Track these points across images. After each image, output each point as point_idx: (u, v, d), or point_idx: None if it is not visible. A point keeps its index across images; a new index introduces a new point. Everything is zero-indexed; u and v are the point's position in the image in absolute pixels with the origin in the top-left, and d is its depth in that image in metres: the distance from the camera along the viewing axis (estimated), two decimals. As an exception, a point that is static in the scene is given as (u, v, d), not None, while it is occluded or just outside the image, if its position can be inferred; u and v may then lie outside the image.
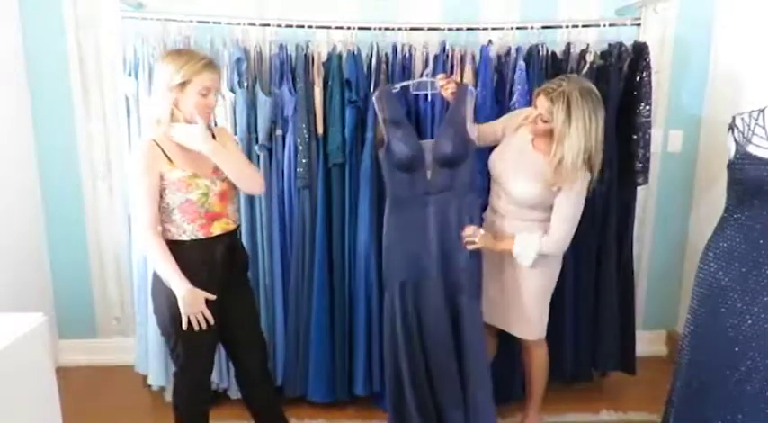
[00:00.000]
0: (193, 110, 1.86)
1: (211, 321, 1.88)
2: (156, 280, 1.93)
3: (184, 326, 1.86)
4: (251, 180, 2.00)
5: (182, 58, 1.85)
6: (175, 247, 1.88)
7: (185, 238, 1.90)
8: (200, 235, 1.91)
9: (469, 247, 2.20)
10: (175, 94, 1.84)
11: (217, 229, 1.94)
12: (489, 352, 2.43)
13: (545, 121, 2.07)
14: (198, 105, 1.86)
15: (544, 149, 2.13)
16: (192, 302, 1.85)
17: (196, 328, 1.87)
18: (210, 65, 1.88)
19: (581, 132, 2.00)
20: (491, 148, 2.38)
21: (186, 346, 1.94)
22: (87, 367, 3.05)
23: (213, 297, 1.89)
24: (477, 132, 2.30)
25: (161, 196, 1.87)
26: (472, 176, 2.30)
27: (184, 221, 1.89)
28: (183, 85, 1.83)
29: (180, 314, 1.85)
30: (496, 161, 2.26)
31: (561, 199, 2.11)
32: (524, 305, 2.27)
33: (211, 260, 1.93)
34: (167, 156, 1.86)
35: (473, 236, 2.19)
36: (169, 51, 1.94)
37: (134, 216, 1.94)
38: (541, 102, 2.06)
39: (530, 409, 2.46)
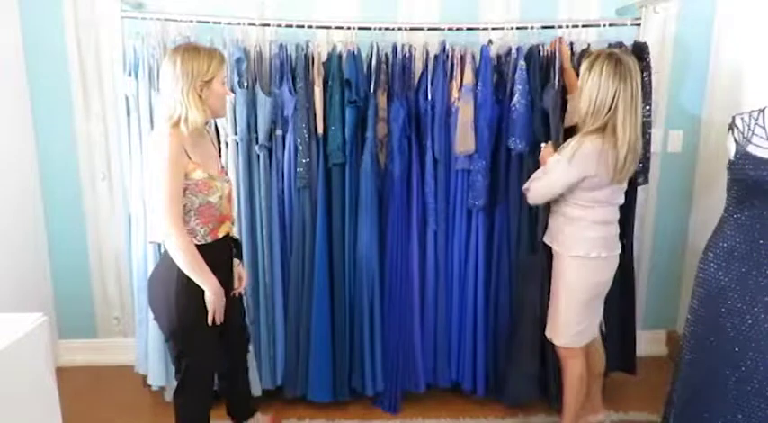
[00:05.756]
0: (219, 101, 1.91)
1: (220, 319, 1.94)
2: (158, 285, 1.93)
3: (210, 321, 1.90)
4: None
5: (201, 55, 1.85)
6: None
7: (195, 241, 1.88)
8: (209, 239, 1.92)
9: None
10: (205, 92, 1.85)
11: (222, 231, 1.96)
12: (595, 364, 2.44)
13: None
14: (223, 96, 1.92)
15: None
16: (221, 297, 1.91)
17: (219, 321, 1.93)
18: (222, 56, 1.93)
19: (594, 86, 2.04)
20: (494, 151, 2.55)
21: (193, 349, 1.94)
22: (87, 367, 3.04)
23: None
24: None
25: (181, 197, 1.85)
26: None
27: (198, 225, 1.88)
28: (210, 81, 1.85)
29: (185, 318, 1.88)
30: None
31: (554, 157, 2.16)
32: (554, 302, 2.27)
33: (219, 263, 1.95)
34: (187, 153, 1.84)
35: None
36: (183, 49, 1.87)
37: (155, 211, 1.87)
38: None
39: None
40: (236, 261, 2.12)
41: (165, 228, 1.81)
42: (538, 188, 2.21)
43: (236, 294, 2.14)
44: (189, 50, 1.85)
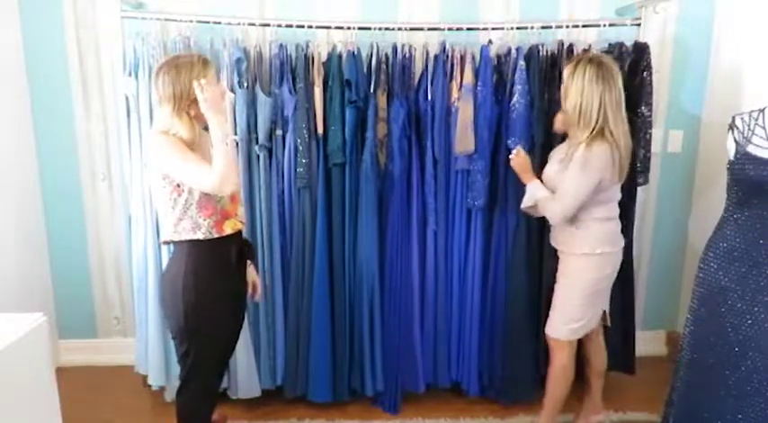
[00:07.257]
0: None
1: None
2: (167, 284, 1.93)
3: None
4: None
5: (182, 75, 1.81)
6: (192, 247, 1.88)
7: (200, 235, 1.88)
8: (215, 233, 1.90)
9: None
10: (193, 108, 1.83)
11: (228, 227, 1.95)
12: (598, 363, 2.46)
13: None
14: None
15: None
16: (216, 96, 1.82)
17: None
18: (206, 62, 1.87)
19: (578, 89, 2.07)
20: (494, 151, 2.54)
21: (198, 349, 1.94)
22: (87, 367, 3.05)
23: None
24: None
25: (181, 192, 1.85)
26: None
27: (200, 217, 1.88)
28: (195, 98, 1.82)
29: (196, 321, 1.88)
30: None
31: (567, 172, 2.11)
32: (557, 298, 2.29)
33: (227, 262, 1.95)
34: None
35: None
36: (164, 72, 1.85)
37: (166, 214, 1.89)
38: None
39: (539, 417, 2.40)
40: (249, 265, 2.13)
41: (210, 182, 1.77)
42: (565, 206, 2.13)
43: (256, 300, 2.15)
44: (168, 72, 1.83)
